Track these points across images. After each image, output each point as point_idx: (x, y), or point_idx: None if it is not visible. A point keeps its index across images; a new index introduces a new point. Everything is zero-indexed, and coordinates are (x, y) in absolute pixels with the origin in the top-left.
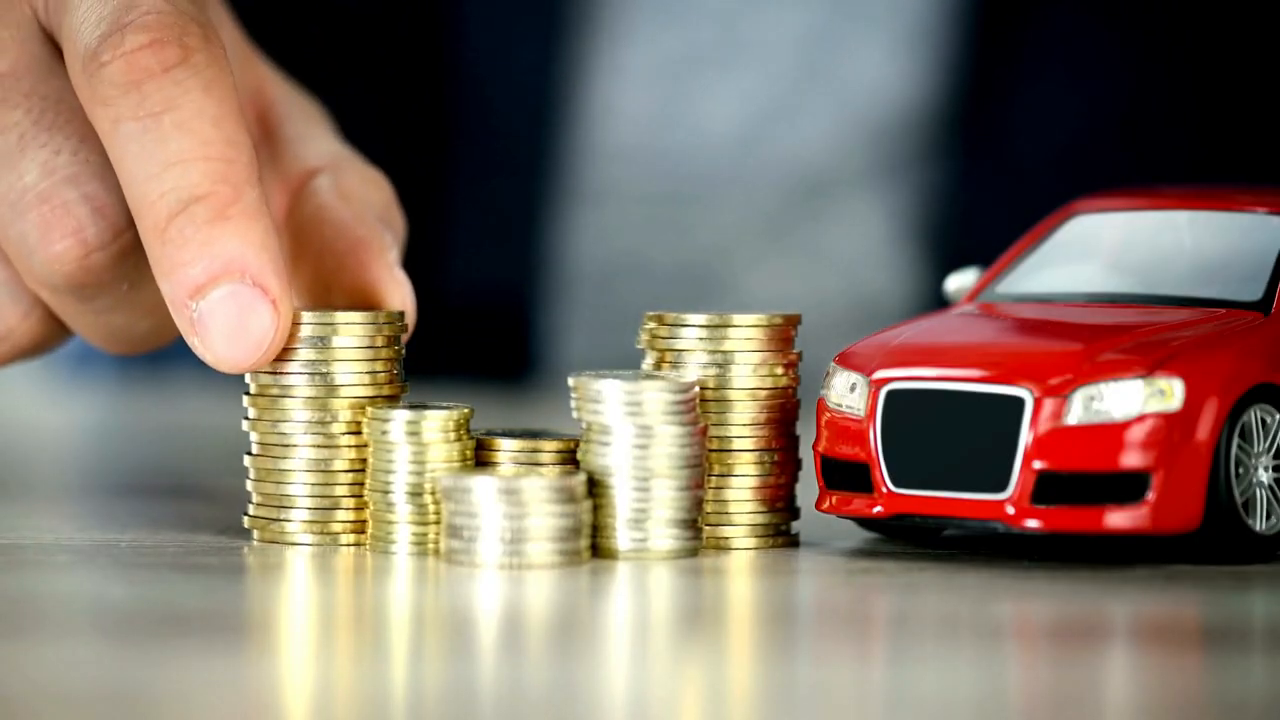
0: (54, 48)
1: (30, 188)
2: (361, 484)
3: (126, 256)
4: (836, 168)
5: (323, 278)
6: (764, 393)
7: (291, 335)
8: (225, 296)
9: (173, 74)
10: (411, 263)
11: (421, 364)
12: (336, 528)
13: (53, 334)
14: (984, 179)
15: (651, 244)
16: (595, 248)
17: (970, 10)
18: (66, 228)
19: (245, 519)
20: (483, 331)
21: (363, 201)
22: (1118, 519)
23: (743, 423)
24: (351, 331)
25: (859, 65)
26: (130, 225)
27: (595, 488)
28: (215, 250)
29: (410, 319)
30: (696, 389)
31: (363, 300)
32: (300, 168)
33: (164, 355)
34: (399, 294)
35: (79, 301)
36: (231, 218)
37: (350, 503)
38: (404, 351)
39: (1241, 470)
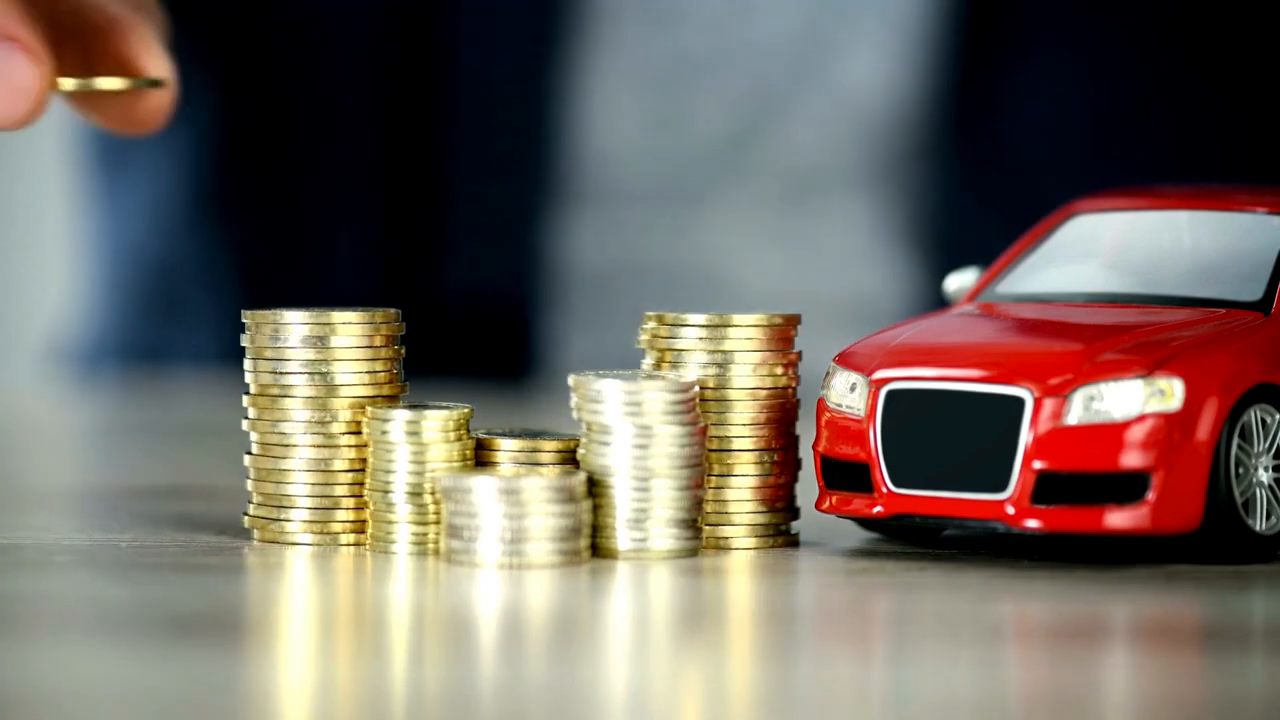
0: None
1: None
2: (361, 484)
3: None
4: (832, 167)
5: (83, 57)
6: (764, 393)
7: (292, 333)
8: None
9: None
10: (412, 264)
11: (422, 364)
12: (336, 528)
13: None
14: (980, 177)
15: (650, 245)
16: (593, 248)
17: (963, 7)
18: None
19: (245, 519)
20: (483, 332)
21: None
22: (1118, 519)
23: (743, 423)
24: (350, 331)
25: (852, 64)
26: None
27: (595, 488)
28: None
29: (168, 85)
30: (696, 389)
31: (124, 71)
32: None
33: (164, 355)
34: (157, 64)
35: None
36: None
37: (350, 503)
38: (403, 351)
39: (1241, 470)
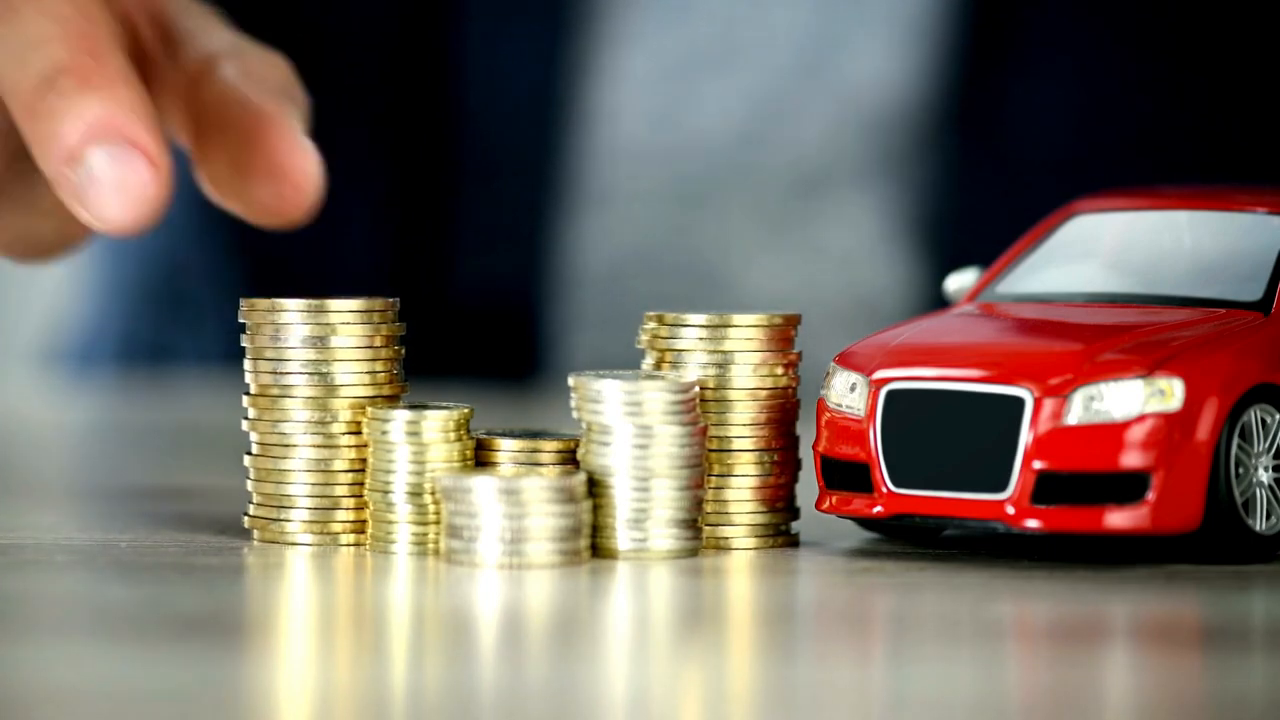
0: None
1: None
2: (361, 484)
3: (17, 157)
4: (836, 165)
5: (232, 155)
6: (764, 393)
7: (292, 333)
8: (102, 159)
9: None
10: (419, 264)
11: (429, 364)
12: (336, 528)
13: None
14: (982, 176)
15: (656, 244)
16: (600, 248)
17: (968, 6)
18: None
19: (245, 519)
20: (489, 332)
21: (264, 80)
22: (1118, 519)
23: (743, 423)
24: (351, 331)
25: (858, 62)
26: (14, 125)
27: (595, 488)
28: (84, 115)
29: (315, 186)
30: (696, 389)
31: (273, 173)
32: (200, 56)
33: (164, 355)
34: (306, 161)
35: None
36: (97, 86)
37: (350, 503)
38: (403, 351)
39: (1241, 470)
